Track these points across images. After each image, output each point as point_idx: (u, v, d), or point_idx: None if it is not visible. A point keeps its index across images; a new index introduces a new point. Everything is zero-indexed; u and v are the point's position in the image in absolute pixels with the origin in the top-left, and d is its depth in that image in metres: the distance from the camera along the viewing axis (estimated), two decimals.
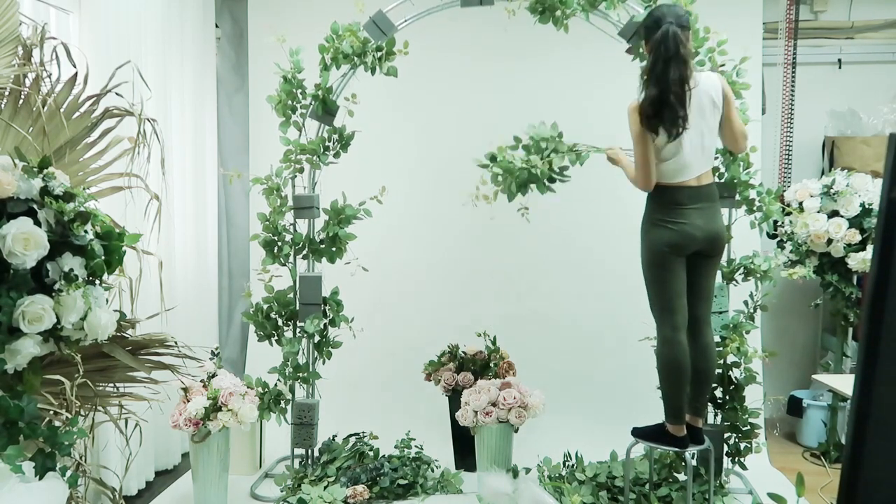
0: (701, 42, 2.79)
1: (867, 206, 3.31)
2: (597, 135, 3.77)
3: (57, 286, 1.59)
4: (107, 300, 1.77)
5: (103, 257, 1.69)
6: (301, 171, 3.08)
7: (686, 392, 2.61)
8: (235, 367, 3.93)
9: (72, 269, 1.60)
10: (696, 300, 2.61)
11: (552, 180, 2.79)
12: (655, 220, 2.52)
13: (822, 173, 3.83)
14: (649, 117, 2.43)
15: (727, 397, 2.91)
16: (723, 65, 2.81)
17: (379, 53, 2.94)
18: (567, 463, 3.09)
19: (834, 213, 3.35)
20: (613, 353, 3.66)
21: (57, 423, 1.87)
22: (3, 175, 1.53)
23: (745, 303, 2.95)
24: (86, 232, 1.65)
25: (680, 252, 2.50)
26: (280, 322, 3.11)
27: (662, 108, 2.40)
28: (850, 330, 3.58)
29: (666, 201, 2.50)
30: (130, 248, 1.86)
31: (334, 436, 3.29)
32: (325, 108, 3.01)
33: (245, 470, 3.25)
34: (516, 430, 3.01)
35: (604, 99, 3.76)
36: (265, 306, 3.08)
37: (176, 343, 2.21)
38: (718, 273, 2.92)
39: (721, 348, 2.85)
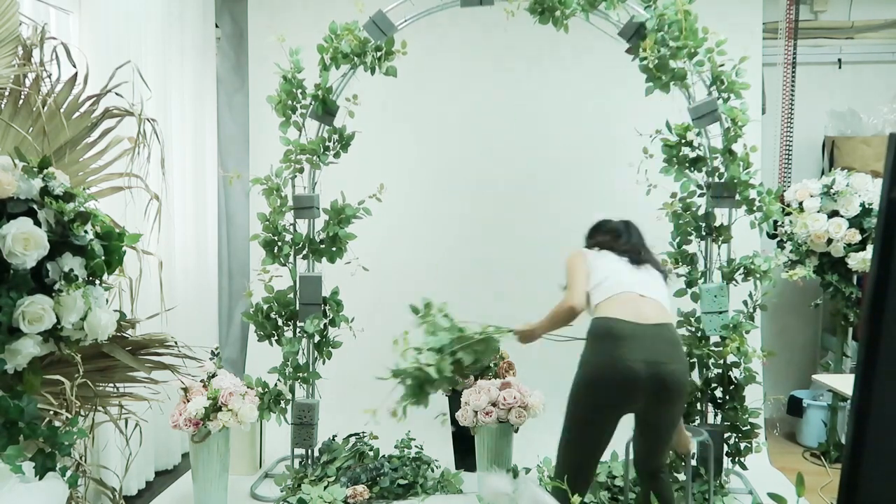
0: (700, 42, 2.78)
1: (867, 206, 3.31)
2: (595, 134, 3.79)
3: (57, 286, 1.59)
4: (107, 300, 1.77)
5: (103, 257, 1.69)
6: (301, 171, 3.08)
7: None
8: (235, 367, 3.93)
9: (72, 269, 1.60)
10: (653, 446, 2.20)
11: (454, 382, 2.35)
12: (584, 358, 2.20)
13: (822, 173, 3.83)
14: None
15: (727, 397, 2.90)
16: (722, 65, 2.81)
17: (378, 53, 2.94)
18: None
19: (834, 213, 3.35)
20: None
21: (57, 423, 1.87)
22: (3, 175, 1.53)
23: (745, 303, 2.94)
24: (86, 232, 1.65)
25: (613, 400, 2.09)
26: (280, 322, 3.11)
27: None
28: (850, 330, 3.57)
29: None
30: (130, 248, 1.86)
31: (334, 436, 3.29)
32: (325, 108, 3.00)
33: (245, 470, 3.25)
34: (516, 430, 3.01)
35: (603, 99, 3.77)
36: (265, 306, 3.08)
37: (176, 343, 2.21)
38: (718, 273, 2.92)
39: (721, 348, 2.85)
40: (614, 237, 2.38)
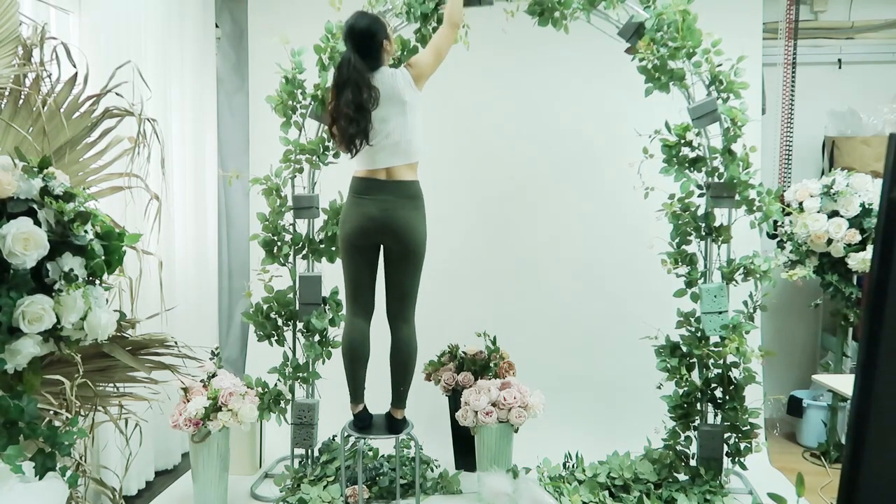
0: (699, 42, 2.78)
1: (867, 206, 3.30)
2: (595, 134, 3.79)
3: (57, 286, 1.59)
4: (107, 300, 1.77)
5: (103, 257, 1.69)
6: (301, 171, 3.08)
7: (361, 375, 2.77)
8: (235, 367, 3.93)
9: (72, 269, 1.60)
10: (390, 298, 2.74)
11: None
12: (344, 209, 2.67)
13: (822, 173, 3.83)
14: (332, 135, 2.64)
15: (727, 397, 2.90)
16: (720, 65, 2.81)
17: None
18: (567, 464, 3.09)
19: (834, 213, 3.35)
20: (613, 353, 3.66)
21: (57, 423, 1.87)
22: (3, 175, 1.53)
23: (745, 303, 2.94)
24: (86, 232, 1.65)
25: (357, 241, 2.62)
26: (280, 322, 3.11)
27: (340, 132, 2.56)
28: (850, 330, 3.58)
29: (352, 191, 2.64)
30: (130, 248, 1.86)
31: (334, 436, 3.29)
32: (325, 108, 3.00)
33: (245, 470, 3.25)
34: (516, 430, 3.01)
35: (603, 99, 3.77)
36: (265, 306, 3.08)
37: (176, 343, 2.21)
38: (718, 273, 2.92)
39: (720, 348, 2.85)
40: None
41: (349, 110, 2.49)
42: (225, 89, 4.03)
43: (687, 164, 2.92)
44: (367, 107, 2.52)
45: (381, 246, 2.68)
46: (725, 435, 2.91)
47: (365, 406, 2.82)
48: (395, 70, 2.64)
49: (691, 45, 2.77)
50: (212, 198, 3.86)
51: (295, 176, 3.07)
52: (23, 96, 1.98)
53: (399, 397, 2.81)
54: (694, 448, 2.96)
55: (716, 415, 2.95)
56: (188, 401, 2.77)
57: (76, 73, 2.06)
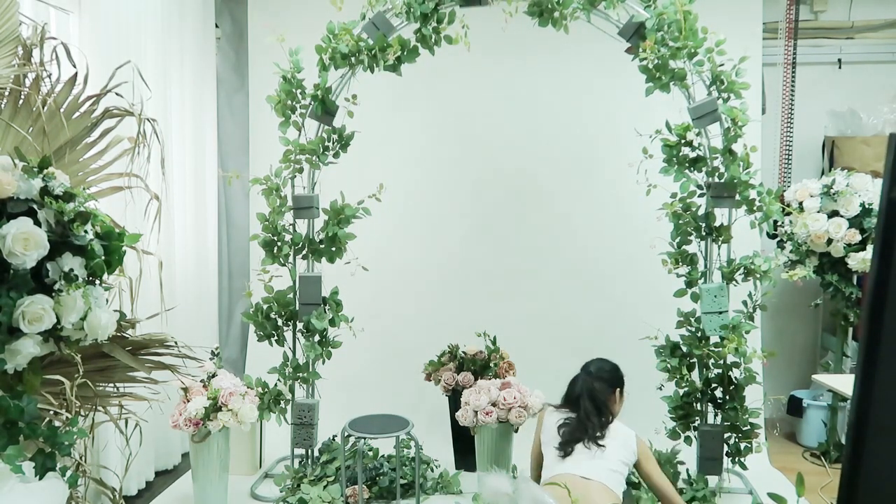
0: (700, 42, 2.78)
1: (867, 206, 3.30)
2: (595, 134, 3.79)
3: (57, 286, 1.59)
4: (107, 300, 1.77)
5: (103, 257, 1.69)
6: (300, 171, 3.08)
7: None
8: (235, 367, 3.93)
9: (72, 269, 1.60)
10: None
11: None
12: None
13: (822, 173, 3.83)
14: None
15: (727, 397, 2.90)
16: (721, 65, 2.81)
17: (372, 52, 2.93)
18: None
19: (834, 213, 3.35)
20: (613, 353, 3.63)
21: (57, 423, 1.87)
22: (3, 175, 1.53)
23: (745, 303, 2.94)
24: (86, 232, 1.65)
25: None
26: (280, 322, 3.11)
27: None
28: (850, 330, 3.58)
29: None
30: (130, 248, 1.86)
31: (334, 436, 3.29)
32: (325, 109, 3.00)
33: (245, 470, 3.25)
34: (516, 430, 3.01)
35: (603, 99, 3.77)
36: (265, 306, 3.08)
37: (176, 343, 2.21)
38: (718, 273, 2.92)
39: (720, 348, 2.85)
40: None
41: None
42: (225, 89, 4.03)
43: (687, 164, 2.91)
44: None
45: None
46: (725, 435, 2.91)
47: None
48: None
49: (693, 46, 2.77)
50: (212, 198, 3.86)
51: (295, 176, 3.07)
52: (23, 96, 1.98)
53: None
54: (694, 448, 2.96)
55: (716, 415, 2.95)
56: (188, 401, 2.77)
57: (76, 73, 2.05)
